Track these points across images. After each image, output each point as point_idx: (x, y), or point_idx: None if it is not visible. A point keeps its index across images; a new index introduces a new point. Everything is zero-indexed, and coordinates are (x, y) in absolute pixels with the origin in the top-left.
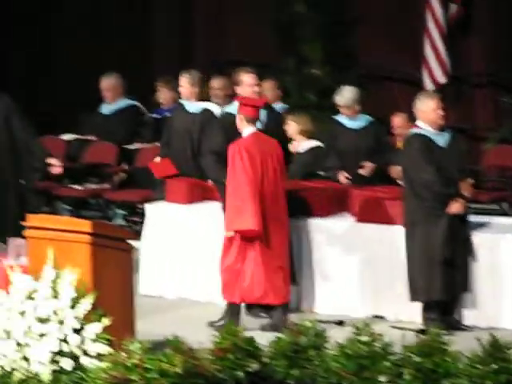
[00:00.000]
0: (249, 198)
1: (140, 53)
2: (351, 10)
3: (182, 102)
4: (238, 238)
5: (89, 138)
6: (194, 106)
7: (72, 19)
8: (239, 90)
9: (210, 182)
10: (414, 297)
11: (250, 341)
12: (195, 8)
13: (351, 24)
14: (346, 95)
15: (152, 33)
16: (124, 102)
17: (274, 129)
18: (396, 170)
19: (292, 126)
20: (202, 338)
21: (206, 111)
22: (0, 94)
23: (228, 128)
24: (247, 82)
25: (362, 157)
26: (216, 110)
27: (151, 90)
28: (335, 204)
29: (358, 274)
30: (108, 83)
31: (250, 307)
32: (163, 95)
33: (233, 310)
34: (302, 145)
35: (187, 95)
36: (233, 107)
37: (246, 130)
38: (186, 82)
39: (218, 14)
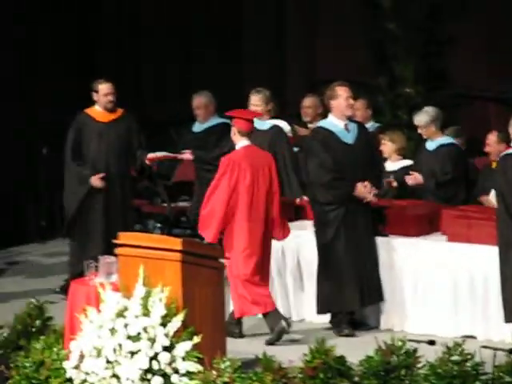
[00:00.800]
0: (219, 212)
1: (232, 72)
2: (444, 30)
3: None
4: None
5: (180, 156)
6: (264, 124)
7: (161, 40)
8: (334, 104)
9: (301, 200)
10: (510, 318)
11: (341, 360)
12: (288, 28)
13: (444, 43)
14: (421, 116)
15: (243, 53)
16: (215, 120)
17: (364, 147)
18: (485, 198)
19: (388, 146)
20: (292, 356)
21: (276, 127)
22: (127, 113)
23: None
24: (342, 95)
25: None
26: (285, 126)
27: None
28: (426, 223)
29: (449, 293)
30: (199, 101)
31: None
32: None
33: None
34: (396, 163)
35: (262, 113)
36: (325, 121)
37: (240, 143)
38: (260, 101)
39: (311, 34)
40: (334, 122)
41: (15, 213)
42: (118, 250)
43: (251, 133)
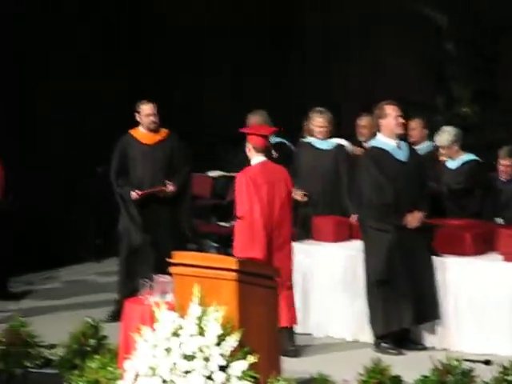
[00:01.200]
0: (260, 229)
1: (287, 90)
2: (498, 49)
3: (308, 140)
4: None
5: (235, 174)
6: (327, 143)
7: (217, 54)
8: (384, 123)
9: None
10: None
11: (397, 379)
12: (347, 48)
13: (499, 62)
14: (444, 136)
15: (299, 71)
16: (271, 139)
17: (416, 165)
18: None
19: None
20: (347, 375)
21: (339, 146)
22: (171, 134)
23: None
24: (391, 114)
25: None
26: (347, 145)
27: (299, 128)
28: (483, 243)
29: (506, 312)
30: (256, 121)
31: None
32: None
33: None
34: None
35: (324, 134)
36: (376, 140)
37: (255, 159)
38: (325, 121)
39: (371, 54)
40: (385, 141)
41: (69, 231)
42: (173, 269)
43: (266, 148)
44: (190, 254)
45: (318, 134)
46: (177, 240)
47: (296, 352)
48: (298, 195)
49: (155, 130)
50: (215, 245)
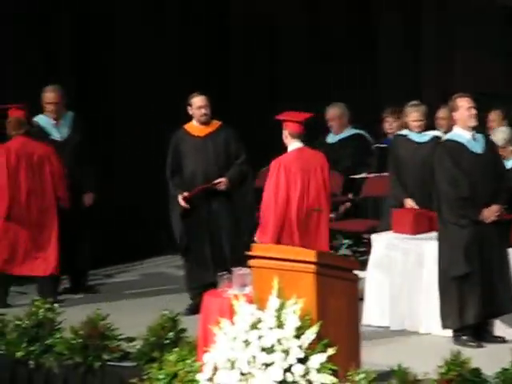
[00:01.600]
0: (293, 219)
1: (367, 82)
2: None
3: (404, 133)
4: None
5: None
6: (423, 136)
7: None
8: (456, 116)
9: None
10: None
11: (476, 372)
12: (424, 40)
13: None
14: (499, 136)
15: (380, 66)
16: (349, 132)
17: (493, 157)
18: None
19: None
20: (426, 368)
21: (436, 138)
22: (224, 125)
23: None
24: (463, 106)
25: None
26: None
27: (377, 120)
28: None
29: None
30: (334, 113)
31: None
32: (389, 125)
33: None
34: None
35: (420, 127)
36: (451, 134)
37: (291, 145)
38: (422, 116)
39: (447, 47)
40: (460, 134)
41: (146, 225)
42: (251, 262)
43: (302, 134)
44: (268, 247)
45: (415, 127)
46: (237, 239)
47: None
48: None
49: (206, 123)
50: None
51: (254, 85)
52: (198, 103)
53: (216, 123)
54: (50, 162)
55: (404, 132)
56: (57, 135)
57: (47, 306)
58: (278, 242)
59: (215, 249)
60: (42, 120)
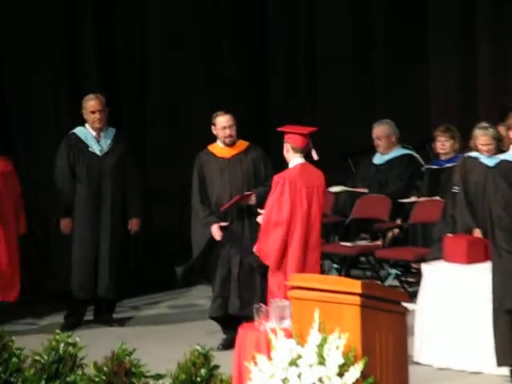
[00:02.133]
0: (299, 237)
1: (417, 100)
2: None
3: (474, 154)
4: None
5: (359, 190)
6: (492, 160)
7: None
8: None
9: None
10: None
11: None
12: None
13: None
14: None
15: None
16: (398, 152)
17: None
18: None
19: None
20: None
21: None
22: (252, 146)
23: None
24: None
25: None
26: None
27: (428, 139)
28: None
29: None
30: (381, 131)
31: None
32: (441, 145)
33: None
34: None
35: (489, 151)
36: (508, 154)
37: (294, 160)
38: (490, 139)
39: (502, 58)
40: None
41: (179, 254)
42: (290, 293)
43: (306, 149)
44: (309, 277)
45: (484, 151)
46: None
47: None
48: None
49: (232, 144)
50: (336, 266)
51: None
52: (222, 123)
53: (243, 144)
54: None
55: (474, 154)
56: (97, 148)
57: (68, 340)
58: (281, 261)
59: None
60: (81, 131)
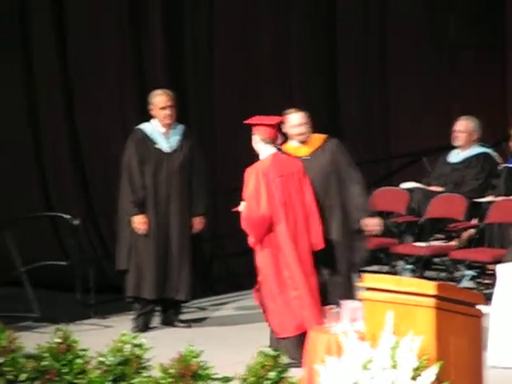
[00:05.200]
0: (256, 227)
1: (494, 98)
2: None
3: None
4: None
5: (434, 189)
6: None
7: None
8: None
9: None
10: None
11: None
12: None
13: None
14: None
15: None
16: (475, 150)
17: None
18: None
19: None
20: None
21: None
22: (328, 141)
23: None
24: None
25: None
26: None
27: (505, 138)
28: None
29: None
30: (465, 126)
31: None
32: None
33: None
34: None
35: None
36: None
37: (265, 151)
38: None
39: None
40: None
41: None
42: (363, 295)
43: (276, 139)
44: (383, 278)
45: None
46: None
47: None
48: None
49: (306, 142)
50: (410, 267)
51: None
52: (293, 121)
53: (318, 138)
54: None
55: None
56: (165, 145)
57: (134, 341)
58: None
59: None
60: (147, 128)
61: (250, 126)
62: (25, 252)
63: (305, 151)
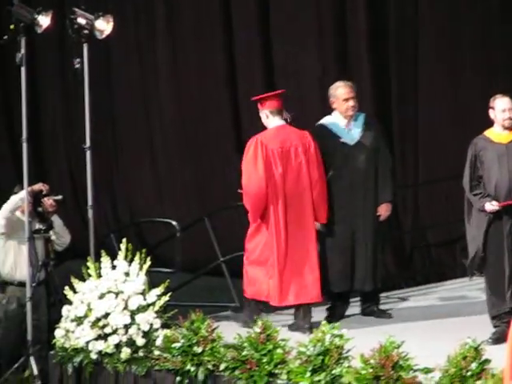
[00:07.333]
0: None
1: None
2: None
3: None
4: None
5: None
6: None
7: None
8: None
9: None
10: None
11: None
12: None
13: None
14: None
15: None
16: None
17: None
18: None
19: None
20: None
21: None
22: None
23: None
24: None
25: None
26: None
27: None
28: None
29: None
30: None
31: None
32: None
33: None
34: None
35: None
36: None
37: (272, 123)
38: None
39: None
40: None
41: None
42: None
43: (282, 110)
44: None
45: None
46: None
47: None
48: None
49: (510, 128)
50: None
51: None
52: (501, 106)
53: None
54: None
55: None
56: (348, 138)
57: (335, 331)
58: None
59: None
60: (328, 121)
61: (257, 104)
62: (223, 243)
63: (507, 138)
